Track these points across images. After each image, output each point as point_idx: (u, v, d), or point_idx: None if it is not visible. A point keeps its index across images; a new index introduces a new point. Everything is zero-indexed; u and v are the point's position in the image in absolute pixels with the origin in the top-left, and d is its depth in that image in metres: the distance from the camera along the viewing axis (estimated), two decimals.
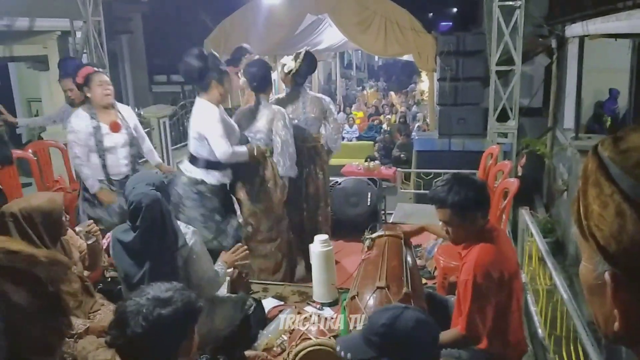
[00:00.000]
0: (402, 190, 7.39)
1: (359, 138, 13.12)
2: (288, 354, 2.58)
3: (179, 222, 2.73)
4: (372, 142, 12.10)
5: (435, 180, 6.48)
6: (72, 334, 2.58)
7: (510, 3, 5.58)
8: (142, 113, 7.21)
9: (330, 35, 9.89)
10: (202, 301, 1.79)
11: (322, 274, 3.53)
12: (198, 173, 3.60)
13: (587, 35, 5.39)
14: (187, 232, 2.65)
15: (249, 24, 8.03)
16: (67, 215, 2.95)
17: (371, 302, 2.61)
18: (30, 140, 9.99)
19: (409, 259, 2.84)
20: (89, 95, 3.87)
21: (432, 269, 3.86)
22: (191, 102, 10.09)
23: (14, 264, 0.64)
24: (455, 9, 13.13)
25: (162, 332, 1.60)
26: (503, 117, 5.94)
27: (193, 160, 3.62)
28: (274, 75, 4.33)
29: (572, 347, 2.97)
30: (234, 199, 3.98)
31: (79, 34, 6.84)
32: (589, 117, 7.23)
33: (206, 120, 3.49)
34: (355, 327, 2.56)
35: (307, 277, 3.81)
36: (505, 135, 5.97)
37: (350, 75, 22.89)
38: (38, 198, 2.78)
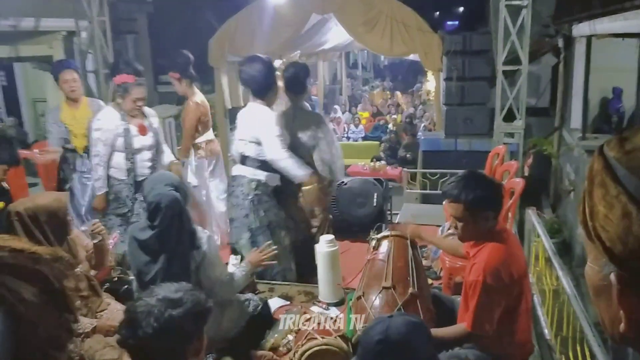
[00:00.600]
0: (408, 191, 7.36)
1: (364, 138, 13.12)
2: (294, 354, 2.58)
3: (197, 227, 2.74)
4: (378, 142, 12.09)
5: (442, 180, 6.50)
6: (79, 332, 2.60)
7: (517, 2, 5.55)
8: None
9: (335, 35, 9.87)
10: (212, 302, 1.79)
11: (328, 274, 3.53)
12: (259, 174, 3.66)
13: (594, 35, 5.36)
14: (203, 237, 2.66)
15: (254, 24, 8.02)
16: (73, 215, 2.97)
17: (377, 302, 2.61)
18: (36, 140, 10.05)
19: (415, 259, 2.84)
20: (119, 101, 3.99)
21: (438, 270, 3.86)
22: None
23: (18, 262, 0.65)
24: (461, 9, 13.09)
25: (173, 333, 1.61)
26: (510, 117, 5.91)
27: (250, 162, 3.66)
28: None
29: (578, 348, 2.96)
30: None
31: (84, 34, 6.86)
32: (595, 116, 7.19)
33: (265, 123, 3.55)
34: (360, 327, 2.56)
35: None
36: (511, 135, 5.94)
37: (356, 75, 22.88)
38: (43, 197, 2.79)
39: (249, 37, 8.07)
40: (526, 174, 6.27)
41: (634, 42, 5.70)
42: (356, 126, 13.61)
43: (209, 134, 4.84)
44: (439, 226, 4.38)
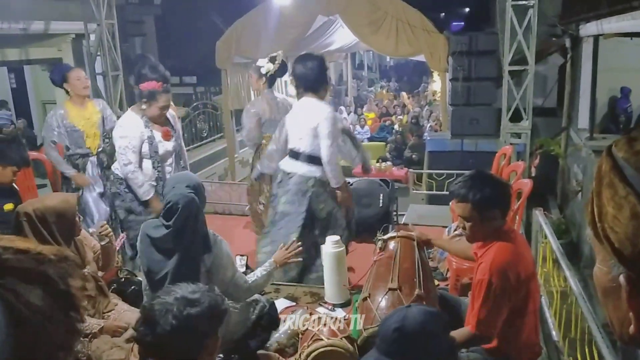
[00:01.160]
0: (414, 191, 7.36)
1: (370, 139, 13.10)
2: (300, 355, 2.58)
3: (209, 230, 2.75)
4: (383, 143, 12.08)
5: (448, 181, 6.49)
6: (87, 333, 2.61)
7: (524, 2, 5.54)
8: None
9: (341, 36, 9.89)
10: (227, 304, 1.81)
11: (334, 275, 3.53)
12: (314, 171, 3.66)
13: (601, 35, 5.33)
14: (215, 240, 2.67)
15: (260, 26, 8.05)
16: (81, 217, 2.99)
17: (383, 303, 2.61)
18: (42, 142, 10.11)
19: (421, 260, 2.83)
20: (144, 107, 3.77)
21: (445, 271, 3.85)
22: (204, 103, 10.18)
23: (23, 264, 0.65)
24: (467, 9, 13.05)
25: (190, 331, 1.63)
26: (516, 117, 5.90)
27: (304, 158, 3.67)
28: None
29: (586, 350, 2.94)
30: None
31: (92, 37, 6.91)
32: (603, 115, 7.15)
33: (323, 117, 3.57)
34: (366, 329, 2.55)
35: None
36: (518, 135, 5.92)
37: (361, 76, 22.88)
38: (52, 198, 2.81)
39: (255, 39, 8.10)
40: (533, 174, 6.25)
41: None
42: (362, 127, 13.60)
43: None
44: (446, 227, 4.37)
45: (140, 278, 3.15)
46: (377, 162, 9.86)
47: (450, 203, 4.46)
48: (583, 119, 6.34)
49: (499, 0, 6.33)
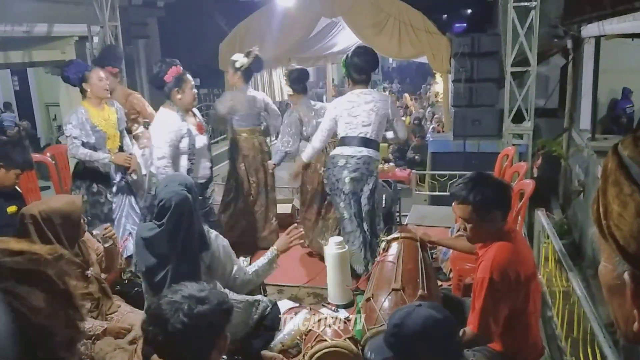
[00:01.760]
0: (417, 192, 7.36)
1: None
2: (303, 356, 2.59)
3: (205, 227, 2.76)
4: (386, 144, 12.06)
5: (450, 181, 6.49)
6: (90, 335, 2.62)
7: (526, 4, 5.54)
8: None
9: (344, 38, 9.89)
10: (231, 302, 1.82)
11: (337, 276, 3.54)
12: (373, 153, 3.93)
13: (603, 36, 5.33)
14: (210, 237, 2.68)
15: (263, 27, 8.06)
16: (85, 218, 3.00)
17: (386, 304, 2.62)
18: (48, 144, 10.15)
19: (424, 260, 2.84)
20: (179, 97, 3.73)
21: (448, 271, 3.85)
22: (207, 105, 10.19)
23: (21, 265, 0.65)
24: (469, 10, 13.04)
25: (202, 329, 1.63)
26: (518, 118, 5.89)
27: (369, 143, 3.89)
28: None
29: (589, 349, 2.94)
30: None
31: (96, 39, 6.92)
32: (603, 116, 7.15)
33: (390, 103, 4.00)
34: (370, 329, 2.56)
35: None
36: (520, 136, 5.92)
37: None
38: (57, 200, 2.83)
39: (259, 41, 8.08)
40: (535, 175, 6.25)
41: None
42: None
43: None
44: (449, 228, 4.38)
45: None
46: (380, 163, 9.84)
47: (453, 204, 4.48)
48: (585, 120, 6.35)
49: (501, 1, 6.33)
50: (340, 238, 3.65)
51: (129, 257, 3.70)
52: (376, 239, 3.84)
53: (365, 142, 3.86)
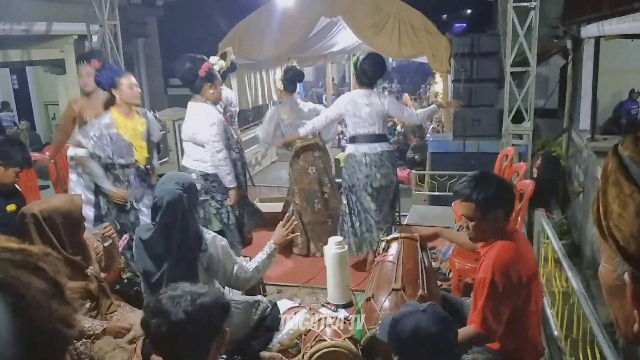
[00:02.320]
0: (417, 192, 7.36)
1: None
2: (303, 356, 2.59)
3: (203, 228, 2.74)
4: None
5: (450, 182, 6.49)
6: (90, 334, 2.62)
7: (525, 4, 5.54)
8: (157, 116, 7.27)
9: (343, 38, 9.89)
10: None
11: (337, 276, 3.54)
12: (386, 146, 4.37)
13: (602, 36, 5.33)
14: (208, 238, 2.66)
15: (263, 27, 8.05)
16: (84, 217, 3.00)
17: (387, 304, 2.61)
18: (47, 143, 10.14)
19: (424, 261, 2.84)
20: (212, 91, 3.79)
21: (447, 271, 3.85)
22: None
23: (17, 257, 0.67)
24: (469, 11, 13.05)
25: (204, 320, 1.64)
26: (518, 118, 5.89)
27: (381, 138, 4.34)
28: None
29: (588, 350, 2.94)
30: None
31: (95, 38, 6.92)
32: (606, 119, 7.16)
33: (390, 100, 4.43)
34: (369, 329, 2.56)
35: None
36: (520, 136, 5.92)
37: None
38: (58, 199, 2.82)
39: (258, 40, 8.10)
40: (535, 175, 6.25)
41: None
42: None
43: None
44: (448, 228, 4.37)
45: None
46: None
47: (453, 204, 4.49)
48: (584, 120, 6.35)
49: (501, 2, 6.33)
50: (340, 238, 3.65)
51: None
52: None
53: (377, 137, 4.28)
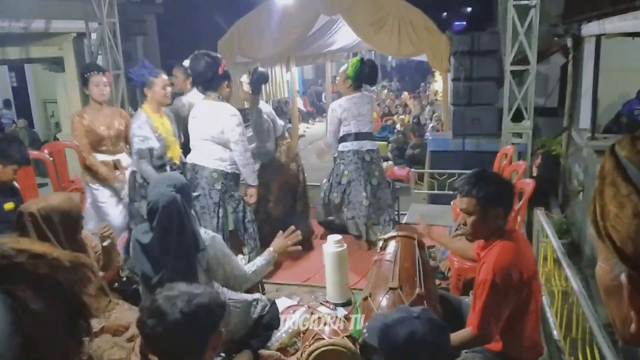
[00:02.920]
0: (416, 191, 7.37)
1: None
2: (301, 354, 2.58)
3: (201, 229, 2.73)
4: (385, 143, 12.06)
5: (449, 180, 6.48)
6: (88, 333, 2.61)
7: (526, 2, 5.53)
8: None
9: (343, 36, 9.88)
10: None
11: (335, 275, 3.54)
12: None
13: (603, 34, 5.32)
14: (207, 238, 2.65)
15: (262, 25, 8.05)
16: (82, 216, 2.99)
17: (384, 302, 2.61)
18: (46, 140, 10.14)
19: (422, 259, 2.83)
20: (227, 89, 3.90)
21: (446, 270, 3.85)
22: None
23: (36, 269, 0.64)
24: (469, 9, 13.03)
25: (201, 320, 1.63)
26: (518, 117, 5.89)
27: (370, 136, 4.66)
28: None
29: (587, 350, 2.94)
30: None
31: (94, 36, 6.90)
32: (610, 119, 7.14)
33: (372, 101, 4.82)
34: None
35: None
36: (520, 135, 5.91)
37: None
38: (56, 197, 2.81)
39: (257, 39, 8.10)
40: (534, 174, 6.24)
41: None
42: None
43: None
44: (447, 226, 4.37)
45: None
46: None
47: (452, 202, 4.49)
48: (584, 119, 6.33)
49: (501, 0, 6.32)
50: (339, 237, 3.64)
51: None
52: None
53: (372, 135, 4.69)
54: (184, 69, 4.58)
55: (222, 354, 2.70)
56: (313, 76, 21.40)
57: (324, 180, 4.75)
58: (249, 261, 3.71)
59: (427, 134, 10.63)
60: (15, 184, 3.52)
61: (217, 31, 8.70)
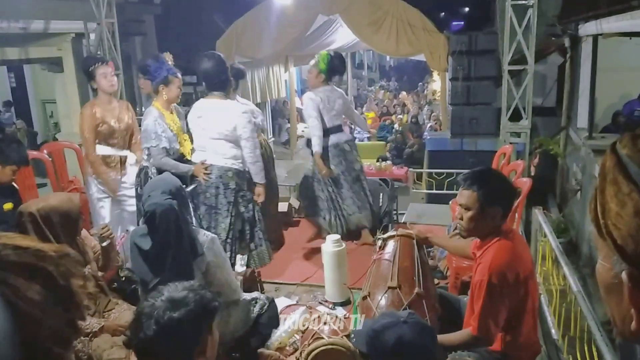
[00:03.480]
0: (414, 190, 7.37)
1: (370, 138, 13.11)
2: (301, 353, 2.59)
3: (200, 231, 2.73)
4: (383, 142, 12.08)
5: (448, 180, 6.48)
6: (87, 332, 2.61)
7: (523, 2, 5.54)
8: None
9: (341, 36, 9.89)
10: (219, 301, 1.79)
11: (334, 274, 3.54)
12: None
13: (600, 34, 5.34)
14: (205, 240, 2.64)
15: (261, 25, 8.05)
16: (83, 216, 2.99)
17: (383, 302, 2.61)
18: (45, 141, 10.12)
19: (421, 259, 2.83)
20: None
21: (444, 269, 3.85)
22: None
23: (22, 259, 0.65)
24: (467, 9, 13.06)
25: (173, 334, 1.59)
26: (516, 116, 5.90)
27: (342, 128, 4.68)
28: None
29: (585, 348, 2.95)
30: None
31: (92, 36, 6.90)
32: (606, 118, 7.14)
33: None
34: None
35: None
36: (518, 134, 5.93)
37: (361, 76, 22.87)
38: (55, 198, 2.81)
39: (256, 38, 8.10)
40: (532, 173, 6.26)
41: None
42: None
43: None
44: (445, 226, 4.38)
45: None
46: (377, 161, 9.86)
47: (450, 202, 4.50)
48: (582, 119, 6.35)
49: (499, 0, 6.33)
50: (337, 236, 3.64)
51: None
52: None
53: (342, 127, 4.67)
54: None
55: (221, 354, 2.70)
56: None
57: (302, 179, 4.75)
58: (248, 260, 3.73)
59: (426, 133, 10.65)
60: (14, 184, 3.52)
61: (215, 31, 8.70)
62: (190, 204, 3.26)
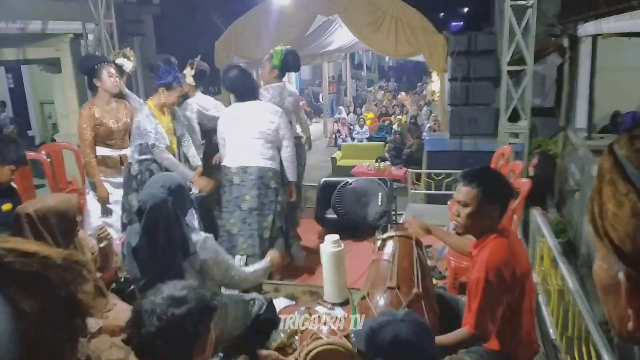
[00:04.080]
0: (413, 191, 7.36)
1: (369, 139, 13.12)
2: (299, 354, 2.59)
3: (194, 231, 2.72)
4: (382, 143, 12.08)
5: (447, 180, 6.48)
6: (85, 333, 2.61)
7: (523, 2, 5.55)
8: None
9: (340, 36, 9.89)
10: (218, 301, 1.79)
11: (333, 274, 3.54)
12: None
13: (600, 34, 5.34)
14: (199, 239, 2.64)
15: (259, 25, 8.05)
16: (81, 216, 2.99)
17: (382, 302, 2.61)
18: (43, 142, 10.12)
19: (419, 259, 2.83)
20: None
21: (443, 269, 3.86)
22: None
23: (26, 268, 0.63)
24: (466, 9, 13.07)
25: (175, 331, 1.60)
26: (515, 117, 5.91)
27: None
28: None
29: (584, 348, 2.95)
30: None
31: (91, 37, 6.90)
32: (605, 119, 7.15)
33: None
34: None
35: None
36: (516, 135, 5.93)
37: (360, 76, 22.89)
38: (53, 198, 2.81)
39: (255, 39, 8.10)
40: (531, 174, 6.26)
41: None
42: (361, 127, 13.62)
43: None
44: (444, 226, 4.38)
45: None
46: (376, 161, 9.86)
47: (449, 202, 4.49)
48: (581, 119, 6.36)
49: (498, 0, 6.34)
50: (336, 236, 3.64)
51: None
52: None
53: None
54: (120, 66, 4.52)
55: (220, 354, 2.70)
56: (310, 76, 21.41)
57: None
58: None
59: (424, 134, 10.65)
60: (13, 184, 3.51)
61: (214, 31, 8.70)
62: (194, 211, 3.31)
